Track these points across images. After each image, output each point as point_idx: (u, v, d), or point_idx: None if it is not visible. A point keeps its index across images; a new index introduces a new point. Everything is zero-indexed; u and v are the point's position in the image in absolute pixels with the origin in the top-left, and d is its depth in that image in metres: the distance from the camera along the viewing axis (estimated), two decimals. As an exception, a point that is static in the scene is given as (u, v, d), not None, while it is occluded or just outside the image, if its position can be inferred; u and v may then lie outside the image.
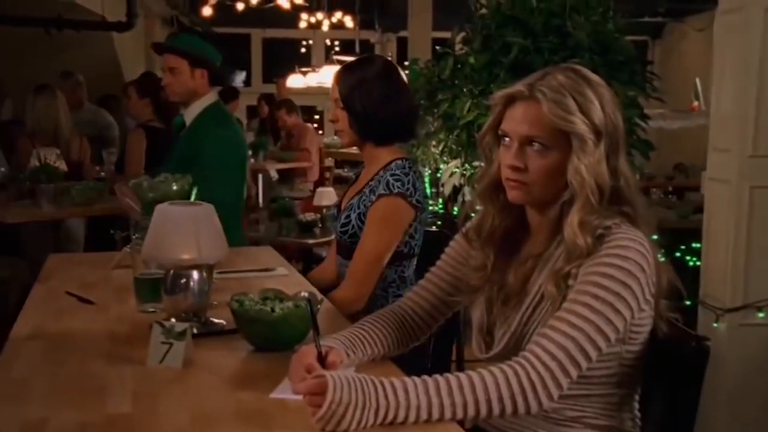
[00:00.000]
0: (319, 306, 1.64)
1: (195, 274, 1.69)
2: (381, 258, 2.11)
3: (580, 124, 1.31)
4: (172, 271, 1.69)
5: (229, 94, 7.57)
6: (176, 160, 2.81)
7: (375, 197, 2.11)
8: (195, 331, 1.61)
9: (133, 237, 2.10)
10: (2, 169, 3.82)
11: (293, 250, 4.99)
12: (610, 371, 1.36)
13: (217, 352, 1.58)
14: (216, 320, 1.74)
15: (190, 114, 2.92)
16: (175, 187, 2.58)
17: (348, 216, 2.18)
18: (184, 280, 1.68)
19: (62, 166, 3.86)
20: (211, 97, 2.94)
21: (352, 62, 2.28)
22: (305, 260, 4.76)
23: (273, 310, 1.56)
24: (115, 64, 7.64)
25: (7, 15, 6.56)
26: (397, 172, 2.11)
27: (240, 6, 7.02)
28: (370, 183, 2.18)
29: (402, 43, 10.68)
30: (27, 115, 4.41)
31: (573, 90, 1.33)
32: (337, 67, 2.49)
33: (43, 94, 4.34)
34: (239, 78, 13.45)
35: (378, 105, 2.12)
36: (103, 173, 4.39)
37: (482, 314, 1.46)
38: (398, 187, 2.08)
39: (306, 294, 1.65)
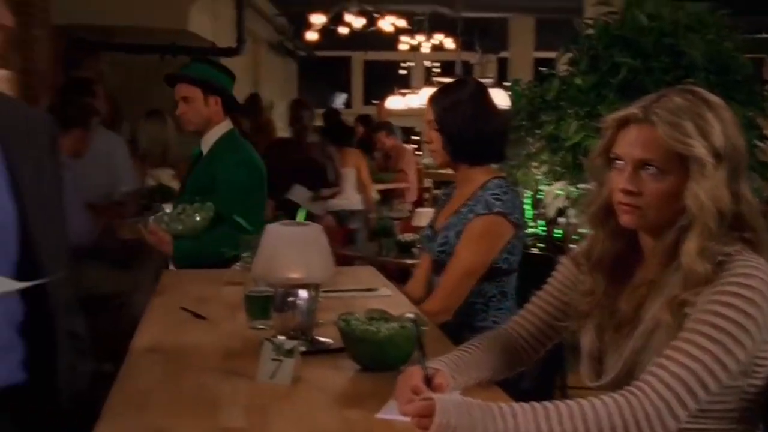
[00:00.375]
0: (424, 328, 1.64)
1: (303, 293, 1.74)
2: (473, 272, 2.13)
3: (699, 148, 1.27)
4: (281, 290, 1.74)
5: (331, 116, 7.77)
6: (193, 189, 2.83)
7: (474, 216, 2.13)
8: (303, 348, 1.65)
9: (243, 255, 2.18)
10: (126, 188, 4.03)
11: (392, 269, 5.02)
12: (730, 406, 1.30)
13: (324, 370, 1.61)
14: (322, 339, 1.77)
15: (206, 142, 2.88)
16: (198, 218, 2.66)
17: (446, 236, 2.20)
18: (292, 299, 1.73)
19: (175, 186, 4.03)
20: (226, 124, 2.90)
21: (445, 85, 2.38)
22: (404, 280, 4.78)
23: (379, 330, 1.58)
24: (223, 87, 7.96)
25: (125, 43, 6.98)
26: (497, 191, 2.14)
27: (343, 30, 7.19)
28: (467, 203, 2.20)
29: (502, 64, 10.65)
30: (139, 138, 4.67)
31: (691, 113, 1.29)
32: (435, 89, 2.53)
33: (153, 118, 4.60)
34: (340, 100, 13.75)
35: (470, 126, 2.17)
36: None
37: (592, 341, 1.43)
38: (498, 206, 2.11)
39: (411, 315, 1.67)
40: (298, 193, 4.69)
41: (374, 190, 6.51)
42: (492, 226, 2.12)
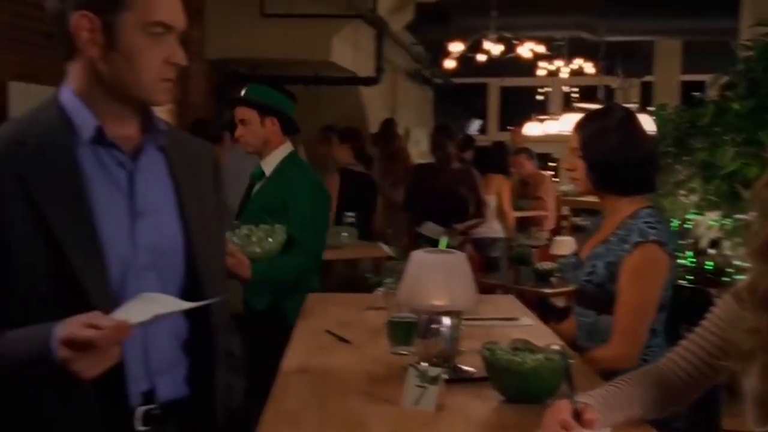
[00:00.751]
0: (571, 361, 1.60)
1: (447, 320, 1.75)
2: (647, 311, 2.03)
3: None
4: (424, 316, 1.76)
5: (466, 142, 7.78)
6: (259, 210, 2.78)
7: (629, 246, 2.05)
8: (446, 376, 1.65)
9: (386, 281, 2.22)
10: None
11: (529, 298, 4.94)
12: None
13: (468, 399, 1.60)
14: (465, 367, 1.77)
15: (268, 164, 2.86)
16: (272, 241, 2.58)
17: (593, 265, 2.14)
18: (436, 326, 1.74)
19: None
20: (288, 146, 2.89)
21: (592, 111, 2.31)
22: (541, 309, 4.69)
23: (524, 361, 1.56)
24: (361, 116, 8.18)
25: (272, 75, 7.34)
26: (649, 219, 2.06)
27: (481, 57, 7.21)
28: (616, 232, 2.12)
29: (646, 88, 10.28)
30: None
31: None
32: (577, 115, 2.48)
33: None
34: (474, 126, 13.75)
35: (616, 153, 2.10)
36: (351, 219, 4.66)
37: (758, 383, 1.34)
38: (654, 234, 2.02)
39: (557, 347, 1.64)
40: (431, 229, 4.72)
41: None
42: (650, 257, 2.02)
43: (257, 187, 2.90)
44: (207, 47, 7.30)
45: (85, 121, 1.28)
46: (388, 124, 6.42)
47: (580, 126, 2.21)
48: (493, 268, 5.27)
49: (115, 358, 1.17)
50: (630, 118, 2.21)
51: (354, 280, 4.26)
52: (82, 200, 1.24)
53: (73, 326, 1.14)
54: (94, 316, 1.16)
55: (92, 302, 1.21)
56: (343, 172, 4.91)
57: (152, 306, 1.21)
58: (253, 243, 2.54)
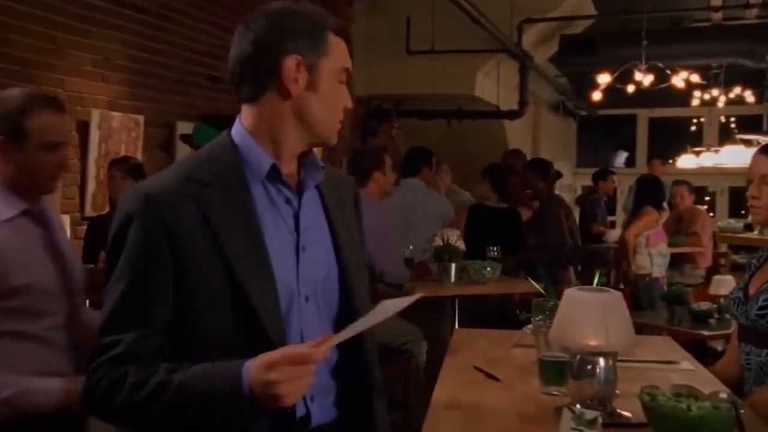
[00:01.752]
0: (742, 410, 1.50)
1: (602, 361, 1.68)
2: None
3: None
4: (578, 356, 1.70)
5: (600, 175, 7.55)
6: None
7: None
8: (601, 420, 1.59)
9: (536, 318, 2.17)
10: (411, 247, 4.27)
11: (684, 341, 4.67)
12: None
13: (626, 445, 1.53)
14: (622, 412, 1.69)
15: None
16: None
17: (767, 299, 2.00)
18: (590, 366, 1.68)
19: (461, 245, 4.17)
20: None
21: None
22: (698, 353, 4.42)
23: (689, 408, 1.47)
24: (504, 147, 8.13)
25: (416, 110, 7.48)
26: None
27: (630, 88, 7.00)
28: None
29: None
30: None
31: None
32: (738, 147, 2.34)
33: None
34: (620, 159, 13.29)
35: None
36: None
37: None
38: None
39: (725, 395, 1.53)
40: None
41: (656, 253, 6.15)
42: None
43: None
44: (354, 85, 7.56)
45: (260, 159, 1.34)
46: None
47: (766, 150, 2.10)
48: (638, 307, 5.03)
49: (311, 383, 1.20)
50: None
51: (500, 315, 4.21)
52: (257, 235, 1.30)
53: (283, 349, 1.20)
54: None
55: (267, 331, 1.26)
56: (474, 207, 4.89)
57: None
58: None
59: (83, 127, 4.45)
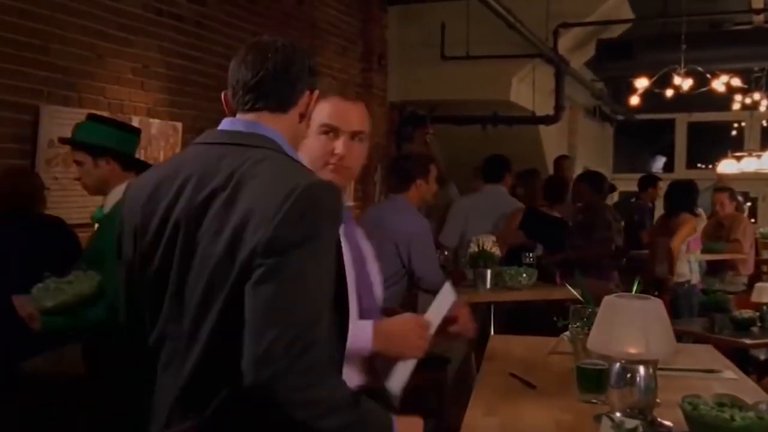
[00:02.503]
0: (787, 421, 1.46)
1: (642, 370, 1.66)
2: None
3: None
4: (618, 365, 1.68)
5: (647, 181, 7.42)
6: (85, 256, 2.59)
7: None
8: (642, 429, 1.57)
9: (573, 326, 2.15)
10: (446, 253, 4.27)
11: (725, 349, 4.57)
12: None
13: (667, 455, 1.50)
14: (663, 421, 1.67)
15: (107, 205, 2.63)
16: (67, 292, 2.37)
17: None
18: (630, 375, 1.66)
19: (497, 251, 4.15)
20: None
21: None
22: (740, 362, 4.33)
23: (732, 418, 1.44)
24: (539, 153, 8.07)
25: (451, 116, 7.46)
26: None
27: (669, 92, 6.89)
28: None
29: None
30: None
31: None
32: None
33: (444, 184, 4.97)
34: (659, 164, 13.10)
35: None
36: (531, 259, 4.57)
37: None
38: None
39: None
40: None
41: (694, 260, 6.05)
42: None
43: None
44: (389, 91, 7.57)
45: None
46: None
47: None
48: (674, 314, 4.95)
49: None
50: None
51: (535, 321, 4.17)
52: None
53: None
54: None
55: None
56: (527, 210, 4.94)
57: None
58: (47, 295, 2.39)
59: (123, 134, 4.52)
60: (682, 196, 5.47)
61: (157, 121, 4.73)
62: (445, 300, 1.82)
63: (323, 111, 1.73)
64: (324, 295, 1.26)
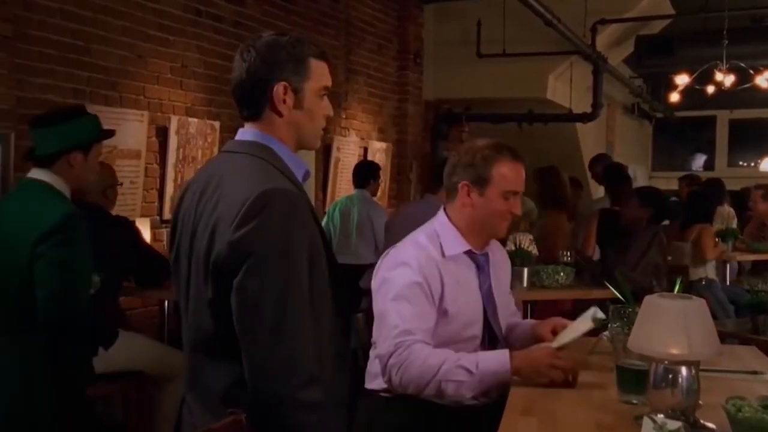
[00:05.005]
0: (836, 424, 1.43)
1: (684, 370, 1.63)
2: None
3: None
4: (659, 365, 1.65)
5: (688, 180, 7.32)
6: None
7: None
8: (684, 431, 1.54)
9: (613, 325, 2.12)
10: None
11: (768, 350, 4.48)
12: None
13: (711, 457, 1.48)
14: (706, 423, 1.64)
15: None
16: None
17: None
18: (672, 375, 1.63)
19: (534, 250, 4.12)
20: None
21: None
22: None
23: (778, 421, 1.41)
24: (576, 151, 8.00)
25: (487, 114, 7.42)
26: None
27: (710, 89, 6.77)
28: None
29: None
30: None
31: None
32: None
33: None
34: (698, 162, 12.88)
35: None
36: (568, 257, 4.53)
37: None
38: None
39: (815, 408, 1.46)
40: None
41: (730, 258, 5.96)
42: None
43: None
44: (424, 89, 7.56)
45: (300, 164, 1.60)
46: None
47: None
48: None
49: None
50: None
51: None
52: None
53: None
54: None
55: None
56: (600, 212, 4.84)
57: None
58: None
59: (162, 133, 4.59)
60: (699, 208, 5.50)
61: (195, 120, 4.79)
62: (582, 324, 2.10)
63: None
64: (287, 296, 1.39)
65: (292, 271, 1.40)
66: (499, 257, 2.35)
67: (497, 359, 1.95)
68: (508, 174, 2.16)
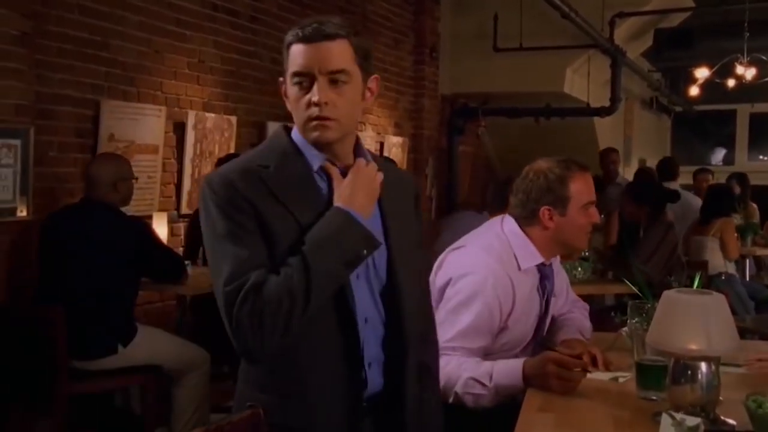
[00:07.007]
0: None
1: (703, 366, 1.62)
2: None
3: None
4: (679, 361, 1.64)
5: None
6: None
7: None
8: (704, 427, 1.53)
9: (632, 321, 2.10)
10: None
11: (788, 347, 4.44)
12: None
13: (731, 454, 1.46)
14: (726, 419, 1.62)
15: None
16: None
17: None
18: (691, 371, 1.62)
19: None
20: None
21: None
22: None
23: (800, 418, 1.39)
24: (594, 145, 7.93)
25: (503, 108, 7.38)
26: None
27: (731, 83, 6.69)
28: None
29: None
30: None
31: None
32: None
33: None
34: (718, 156, 12.76)
35: None
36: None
37: None
38: None
39: (839, 405, 1.44)
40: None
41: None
42: None
43: None
44: (441, 83, 7.53)
45: (314, 155, 1.51)
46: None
47: None
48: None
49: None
50: None
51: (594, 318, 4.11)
52: (320, 205, 1.49)
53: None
54: None
55: None
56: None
57: None
58: None
59: (180, 128, 4.60)
60: (720, 202, 5.47)
61: (212, 114, 4.81)
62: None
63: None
64: (225, 263, 1.41)
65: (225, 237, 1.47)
66: (555, 263, 2.34)
67: (510, 373, 1.92)
68: (583, 187, 2.15)
